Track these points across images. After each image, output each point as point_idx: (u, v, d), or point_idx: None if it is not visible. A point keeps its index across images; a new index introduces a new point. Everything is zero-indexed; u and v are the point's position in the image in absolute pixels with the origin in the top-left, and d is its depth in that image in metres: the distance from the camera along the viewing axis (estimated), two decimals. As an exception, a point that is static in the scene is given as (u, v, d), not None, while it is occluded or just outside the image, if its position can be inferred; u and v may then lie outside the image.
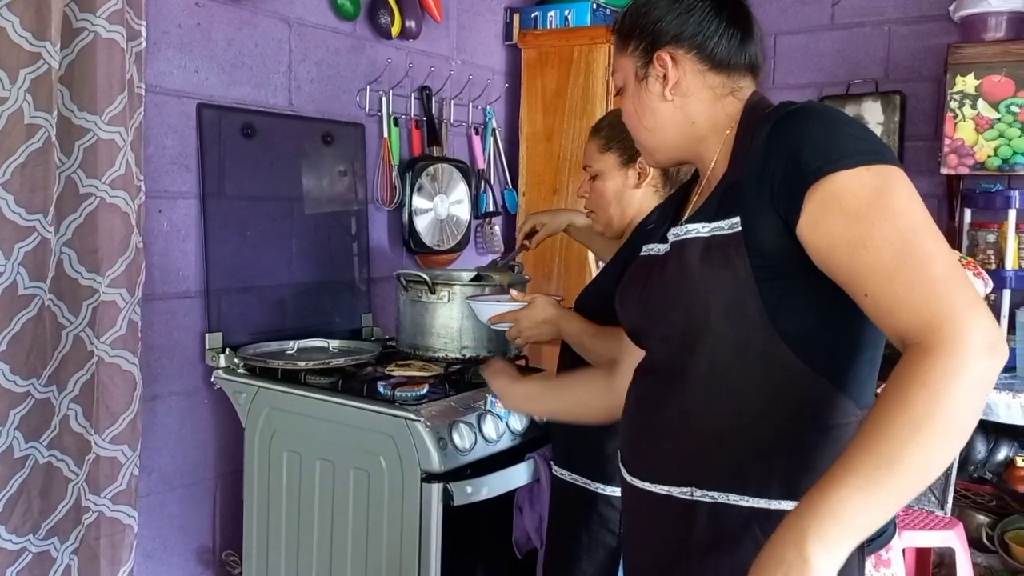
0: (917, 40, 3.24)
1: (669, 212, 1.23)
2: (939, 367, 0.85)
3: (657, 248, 1.16)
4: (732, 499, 1.02)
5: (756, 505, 1.01)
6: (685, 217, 1.13)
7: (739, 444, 1.03)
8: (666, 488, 1.08)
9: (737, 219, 1.00)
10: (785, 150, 0.98)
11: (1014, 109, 2.85)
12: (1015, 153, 2.89)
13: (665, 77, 1.14)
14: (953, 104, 2.88)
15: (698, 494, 1.04)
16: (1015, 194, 2.84)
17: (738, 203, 1.01)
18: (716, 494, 1.03)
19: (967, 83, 2.87)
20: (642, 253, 1.22)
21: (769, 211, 0.98)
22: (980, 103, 2.85)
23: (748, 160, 1.02)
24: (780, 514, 0.94)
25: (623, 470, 1.18)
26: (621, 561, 1.67)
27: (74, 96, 1.75)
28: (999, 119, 2.89)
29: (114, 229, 1.81)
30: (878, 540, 1.02)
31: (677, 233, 1.09)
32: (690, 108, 1.14)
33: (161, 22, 2.00)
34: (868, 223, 0.92)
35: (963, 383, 0.84)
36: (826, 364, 1.00)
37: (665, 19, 1.14)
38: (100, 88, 1.76)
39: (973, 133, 2.85)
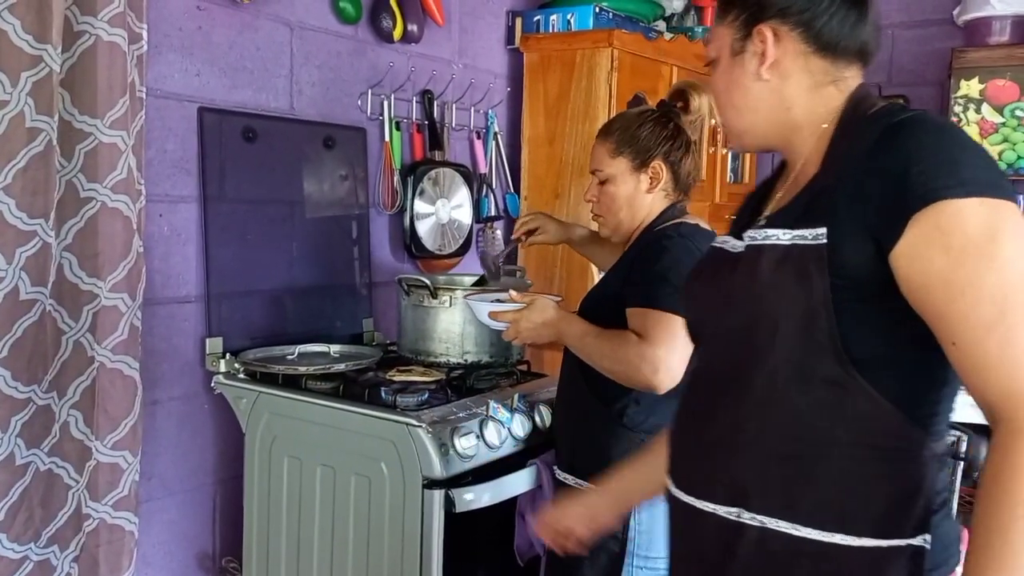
0: (921, 44, 3.23)
1: (751, 203, 1.15)
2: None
3: (732, 244, 1.08)
4: (783, 526, 0.95)
5: (808, 536, 0.94)
6: (766, 213, 1.06)
7: (795, 469, 0.95)
8: (712, 506, 1.01)
9: (824, 230, 0.92)
10: (892, 165, 0.89)
11: (1019, 113, 2.84)
12: (1019, 158, 2.88)
13: (763, 55, 1.04)
14: (957, 108, 2.87)
15: (746, 516, 0.98)
16: (1020, 199, 2.83)
17: (827, 213, 0.92)
18: (765, 519, 0.96)
19: (971, 87, 2.86)
20: (715, 243, 1.15)
21: (862, 229, 0.90)
22: (984, 107, 2.85)
23: (846, 166, 0.94)
24: (835, 549, 0.90)
25: (668, 480, 1.12)
26: (623, 566, 1.66)
27: (75, 100, 1.74)
28: (1004, 123, 2.88)
29: (115, 233, 1.80)
30: (944, 568, 0.96)
31: (755, 236, 1.01)
32: (786, 92, 1.04)
33: (162, 25, 1.99)
34: (971, 268, 0.84)
35: None
36: (900, 395, 0.92)
37: None
38: (101, 92, 1.75)
39: (978, 137, 2.84)
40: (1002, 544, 0.80)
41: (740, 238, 1.05)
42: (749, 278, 0.99)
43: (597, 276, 2.71)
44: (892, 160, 0.89)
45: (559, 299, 1.79)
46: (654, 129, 1.72)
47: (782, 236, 0.96)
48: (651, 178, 1.72)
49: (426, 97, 2.64)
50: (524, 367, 2.21)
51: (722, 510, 1.00)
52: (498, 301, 1.80)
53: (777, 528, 0.96)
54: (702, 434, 1.05)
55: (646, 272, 1.62)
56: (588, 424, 1.71)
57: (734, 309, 1.02)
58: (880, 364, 0.92)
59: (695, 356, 1.16)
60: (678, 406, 1.15)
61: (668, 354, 1.54)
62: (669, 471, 1.12)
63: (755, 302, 0.98)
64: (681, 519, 1.09)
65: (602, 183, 1.76)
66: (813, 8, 1.01)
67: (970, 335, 0.84)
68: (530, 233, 2.08)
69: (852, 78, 1.04)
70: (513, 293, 1.79)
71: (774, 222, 1.00)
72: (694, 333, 1.15)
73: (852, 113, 1.01)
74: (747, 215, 1.11)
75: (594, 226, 1.94)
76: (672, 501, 1.11)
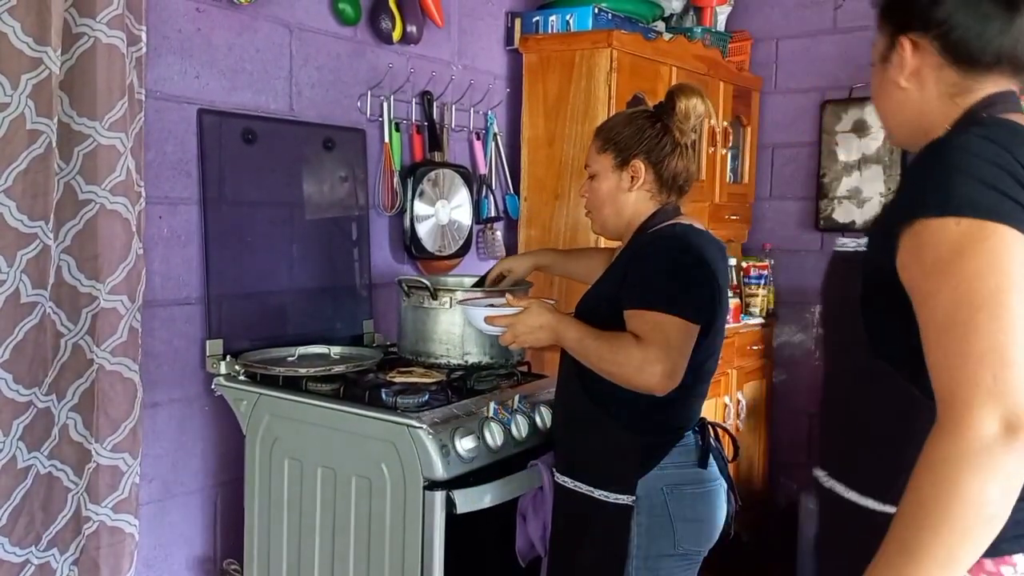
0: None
1: None
2: (942, 451, 0.89)
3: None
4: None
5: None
6: None
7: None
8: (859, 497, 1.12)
9: (867, 240, 1.06)
10: (906, 183, 1.00)
11: (1018, 113, 2.84)
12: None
13: (903, 64, 1.11)
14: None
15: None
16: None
17: (879, 222, 1.05)
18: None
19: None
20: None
21: (892, 238, 0.99)
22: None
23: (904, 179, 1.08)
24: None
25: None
26: (624, 567, 1.66)
27: (73, 102, 1.74)
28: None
29: (114, 235, 1.80)
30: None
31: (861, 243, 1.13)
32: (923, 100, 1.11)
33: (161, 27, 1.99)
34: (934, 282, 0.93)
35: (969, 473, 0.86)
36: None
37: (916, 1, 1.09)
38: (100, 94, 1.75)
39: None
40: (902, 528, 0.91)
41: None
42: (839, 275, 1.16)
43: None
44: (907, 178, 1.02)
45: (555, 302, 1.79)
46: (639, 128, 1.73)
47: (863, 242, 1.11)
48: (632, 176, 1.73)
49: (425, 98, 2.64)
50: (525, 368, 2.21)
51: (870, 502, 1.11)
52: (493, 306, 1.80)
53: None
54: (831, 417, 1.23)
55: (642, 274, 1.62)
56: (585, 426, 1.71)
57: (826, 305, 1.25)
58: (905, 361, 1.05)
59: None
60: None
61: (666, 355, 1.54)
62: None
63: (837, 302, 1.19)
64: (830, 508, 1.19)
65: (592, 179, 1.79)
66: (950, 21, 1.06)
67: (927, 340, 0.94)
68: (498, 282, 2.10)
69: (983, 89, 1.09)
70: (509, 297, 1.79)
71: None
72: None
73: (955, 126, 1.07)
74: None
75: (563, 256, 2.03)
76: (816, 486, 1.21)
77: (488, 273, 2.15)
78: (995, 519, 0.88)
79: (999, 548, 0.97)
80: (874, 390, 1.08)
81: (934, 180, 0.97)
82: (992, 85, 1.09)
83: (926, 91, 1.11)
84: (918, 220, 0.95)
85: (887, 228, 1.00)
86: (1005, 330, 0.89)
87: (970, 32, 1.06)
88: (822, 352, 1.20)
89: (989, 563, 1.01)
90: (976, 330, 0.90)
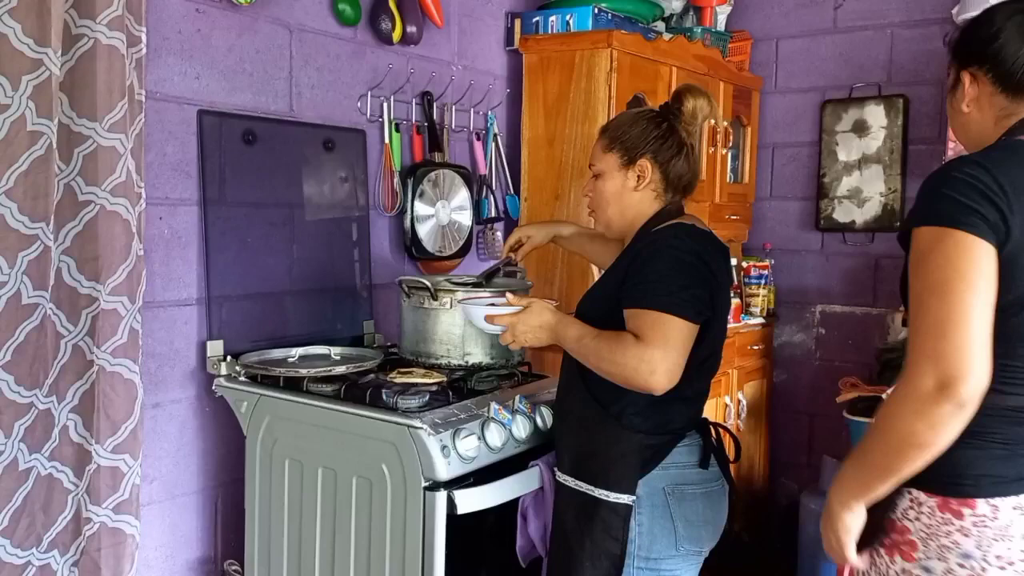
0: (920, 43, 3.24)
1: None
2: (896, 396, 1.24)
3: None
4: None
5: None
6: None
7: None
8: None
9: None
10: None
11: None
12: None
13: (964, 93, 1.40)
14: (956, 107, 2.88)
15: None
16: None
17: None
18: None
19: (970, 86, 2.86)
20: None
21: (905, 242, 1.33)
22: (984, 106, 2.85)
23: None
24: None
25: None
26: (624, 568, 1.66)
27: (73, 103, 1.74)
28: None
29: (115, 236, 1.80)
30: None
31: None
32: (981, 123, 1.40)
33: (161, 28, 1.99)
34: (913, 275, 1.27)
35: (906, 412, 1.22)
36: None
37: (974, 41, 1.38)
38: (100, 95, 1.75)
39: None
40: (860, 445, 1.30)
41: None
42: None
43: (596, 275, 2.72)
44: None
45: (556, 302, 1.79)
46: (646, 128, 1.73)
47: None
48: (639, 176, 1.73)
49: (425, 99, 2.64)
50: (525, 368, 2.21)
51: None
52: (493, 305, 1.80)
53: None
54: None
55: (643, 273, 1.62)
56: (587, 426, 1.71)
57: None
58: None
59: None
60: None
61: (665, 355, 1.54)
62: None
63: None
64: None
65: (596, 178, 1.79)
66: (1000, 55, 1.35)
67: (910, 319, 1.27)
68: (516, 249, 2.11)
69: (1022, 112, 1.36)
70: (510, 296, 1.79)
71: None
72: None
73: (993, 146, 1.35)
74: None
75: (592, 223, 1.94)
76: None
77: (507, 241, 2.13)
78: (922, 447, 1.22)
79: (963, 491, 1.29)
80: None
81: (923, 196, 1.29)
82: None
83: (984, 114, 1.39)
84: (913, 228, 1.27)
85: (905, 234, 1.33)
86: (947, 311, 1.20)
87: (1016, 64, 1.34)
88: None
89: (954, 502, 1.29)
90: (927, 310, 1.22)
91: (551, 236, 2.13)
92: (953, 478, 1.28)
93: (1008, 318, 1.25)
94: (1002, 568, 1.26)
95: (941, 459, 1.24)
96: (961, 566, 1.28)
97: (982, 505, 1.27)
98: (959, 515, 1.28)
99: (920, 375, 1.20)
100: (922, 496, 1.31)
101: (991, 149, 1.33)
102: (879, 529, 1.34)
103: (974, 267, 1.21)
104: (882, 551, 1.36)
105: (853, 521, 1.30)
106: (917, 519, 1.31)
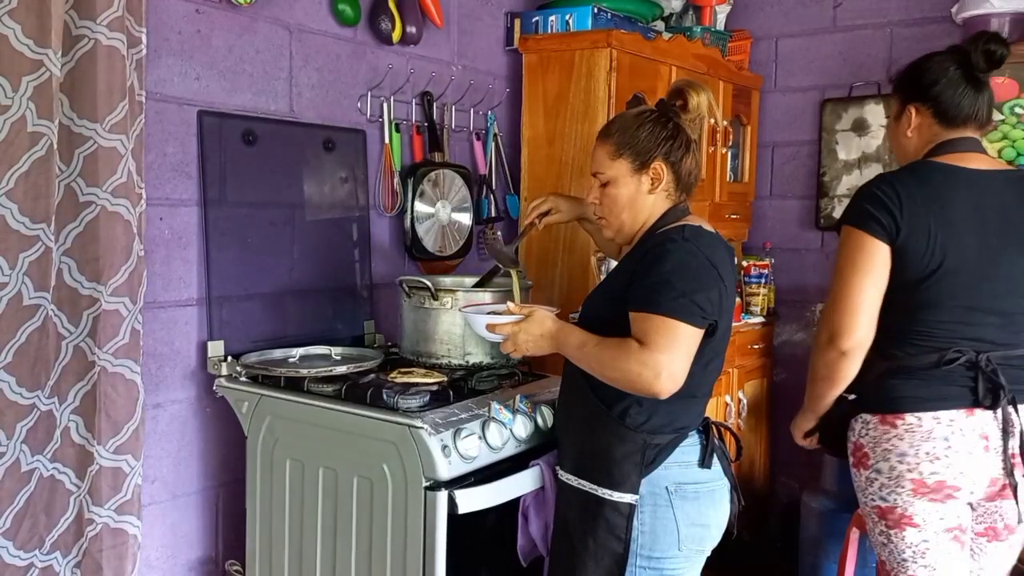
0: (919, 42, 3.23)
1: None
2: (814, 346, 1.93)
3: None
4: None
5: None
6: None
7: None
8: None
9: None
10: None
11: (1018, 111, 2.85)
12: (1019, 155, 2.88)
13: (909, 122, 1.91)
14: (956, 106, 2.88)
15: None
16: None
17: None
18: None
19: (970, 85, 2.86)
20: None
21: None
22: (983, 105, 2.85)
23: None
24: None
25: None
26: (627, 566, 1.66)
27: (74, 104, 1.74)
28: (1003, 121, 2.88)
29: (116, 237, 1.80)
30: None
31: None
32: (914, 146, 1.93)
33: (161, 29, 1.99)
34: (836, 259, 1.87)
35: (814, 357, 1.92)
36: None
37: (920, 85, 1.88)
38: (101, 96, 1.75)
39: (977, 135, 2.84)
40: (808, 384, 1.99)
41: None
42: None
43: (598, 276, 2.71)
44: None
45: (556, 310, 1.79)
46: (653, 129, 1.71)
47: None
48: (652, 179, 1.71)
49: (425, 99, 2.64)
50: (525, 368, 2.21)
51: None
52: (495, 313, 1.80)
53: None
54: None
55: (649, 276, 1.61)
56: (590, 425, 1.71)
57: None
58: None
59: None
60: None
61: (670, 360, 1.54)
62: None
63: None
64: None
65: (604, 185, 1.75)
66: (940, 97, 1.85)
67: None
68: (543, 216, 2.05)
69: (950, 137, 1.86)
70: (511, 305, 1.78)
71: None
72: None
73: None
74: None
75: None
76: None
77: (536, 204, 2.05)
78: (825, 381, 1.89)
79: (894, 407, 1.80)
80: None
81: (849, 203, 1.86)
82: (959, 134, 1.85)
83: (920, 139, 1.90)
84: (839, 226, 1.86)
85: None
86: (840, 288, 1.81)
87: (950, 104, 1.84)
88: None
89: (888, 416, 1.81)
90: (831, 287, 1.84)
91: (577, 217, 2.06)
92: (887, 402, 1.82)
93: (911, 294, 1.78)
94: (931, 461, 1.76)
95: (879, 389, 1.83)
96: (900, 462, 1.78)
97: (909, 417, 1.78)
98: (893, 425, 1.80)
99: (820, 332, 1.89)
100: (867, 416, 1.85)
101: (903, 170, 1.88)
102: (846, 450, 1.92)
103: (866, 258, 1.78)
104: (853, 470, 1.89)
105: (804, 423, 2.05)
106: (866, 434, 1.85)
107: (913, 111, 1.88)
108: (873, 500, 1.84)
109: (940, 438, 1.75)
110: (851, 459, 1.89)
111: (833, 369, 1.85)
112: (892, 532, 1.82)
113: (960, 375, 1.77)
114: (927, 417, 1.77)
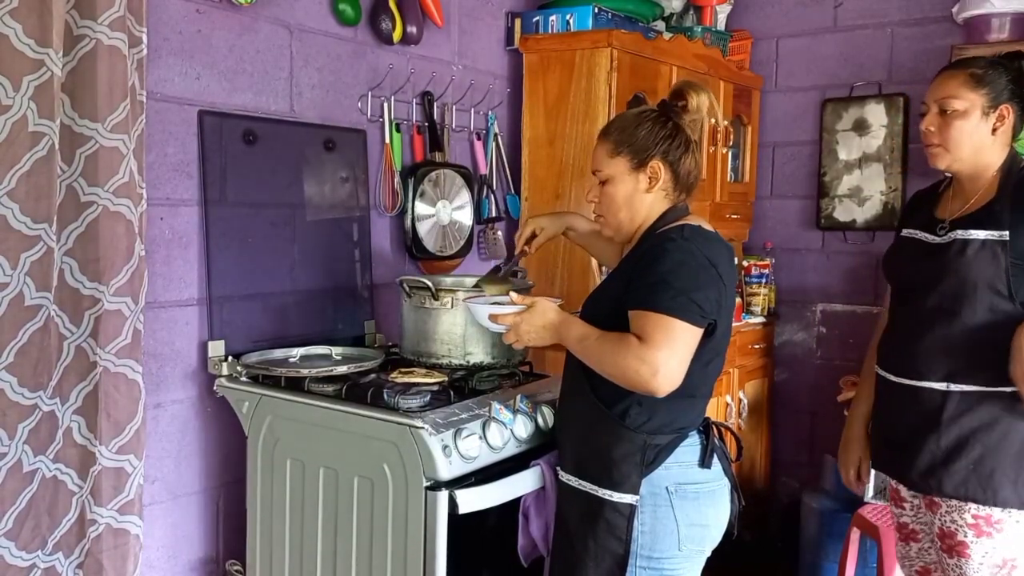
0: (920, 42, 3.24)
1: (921, 206, 1.99)
2: None
3: (925, 236, 1.89)
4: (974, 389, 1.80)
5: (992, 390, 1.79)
6: (955, 217, 1.85)
7: (988, 354, 1.77)
8: (926, 383, 1.84)
9: (1007, 232, 1.75)
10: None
11: None
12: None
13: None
14: (957, 106, 2.88)
15: (953, 387, 1.81)
16: None
17: (1004, 221, 1.78)
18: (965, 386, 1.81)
19: (971, 85, 2.86)
20: (906, 233, 1.95)
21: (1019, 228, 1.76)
22: (984, 105, 2.85)
23: (1012, 195, 1.81)
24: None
25: (882, 370, 1.95)
26: (627, 567, 1.66)
27: (75, 104, 1.74)
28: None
29: (117, 237, 1.80)
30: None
31: (957, 234, 1.81)
32: (990, 149, 1.85)
33: (162, 28, 1.99)
34: None
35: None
36: None
37: (1009, 85, 1.83)
38: (102, 96, 1.75)
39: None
40: None
41: (934, 232, 1.87)
42: (959, 256, 1.80)
43: (599, 276, 2.72)
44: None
45: (559, 301, 1.79)
46: (652, 128, 1.71)
47: (980, 234, 1.79)
48: (650, 178, 1.71)
49: (426, 99, 2.64)
50: (526, 368, 2.21)
51: (935, 384, 1.83)
52: (498, 304, 1.80)
53: (973, 389, 1.80)
54: (922, 339, 1.84)
55: (648, 275, 1.61)
56: (590, 425, 1.71)
57: (947, 274, 1.81)
58: None
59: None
60: (899, 323, 1.93)
61: (668, 358, 1.54)
62: (885, 364, 1.95)
63: (963, 269, 1.79)
64: (892, 396, 1.93)
65: (603, 184, 1.76)
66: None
67: None
68: (530, 240, 2.08)
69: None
70: (514, 295, 1.78)
71: (968, 225, 1.81)
72: (904, 292, 1.93)
73: (1011, 164, 1.86)
74: (924, 215, 1.94)
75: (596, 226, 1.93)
76: (883, 382, 1.95)
77: (520, 232, 2.09)
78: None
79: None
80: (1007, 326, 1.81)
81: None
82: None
83: (1004, 140, 1.87)
84: None
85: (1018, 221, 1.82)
86: None
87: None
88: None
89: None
90: None
91: (564, 228, 2.10)
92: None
93: None
94: None
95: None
96: None
97: None
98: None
99: None
100: None
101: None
102: None
103: None
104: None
105: None
106: None
107: (1007, 111, 1.84)
108: None
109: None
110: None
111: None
112: None
113: None
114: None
